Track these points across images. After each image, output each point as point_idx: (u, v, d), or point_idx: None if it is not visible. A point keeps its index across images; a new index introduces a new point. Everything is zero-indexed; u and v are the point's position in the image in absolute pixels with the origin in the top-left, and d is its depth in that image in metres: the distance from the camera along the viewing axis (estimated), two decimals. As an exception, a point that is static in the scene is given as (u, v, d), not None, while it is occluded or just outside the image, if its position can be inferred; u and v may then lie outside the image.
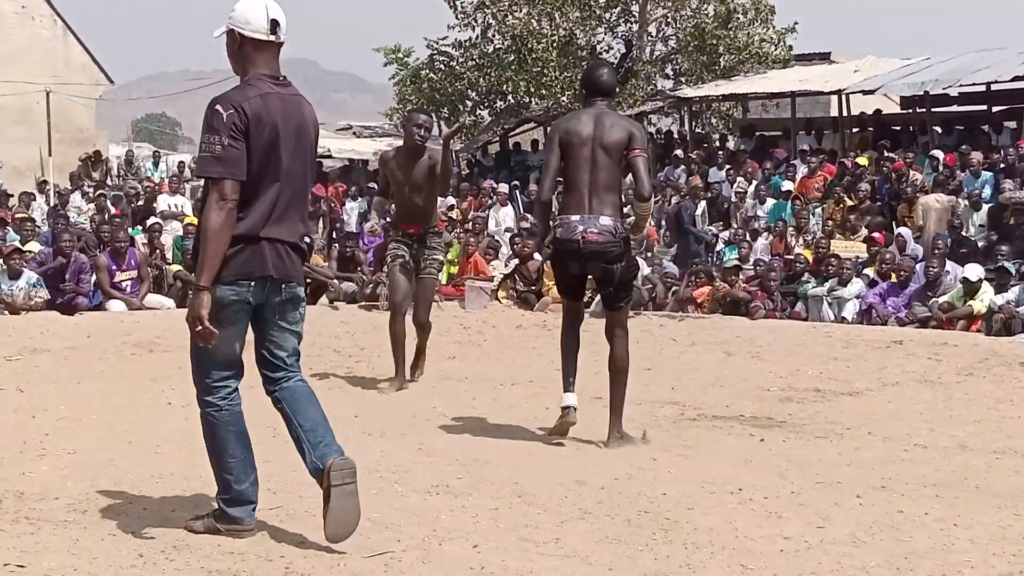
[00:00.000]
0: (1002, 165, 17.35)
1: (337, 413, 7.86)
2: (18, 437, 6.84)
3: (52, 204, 20.92)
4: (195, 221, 16.90)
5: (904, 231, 15.94)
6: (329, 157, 29.29)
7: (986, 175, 17.18)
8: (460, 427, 7.45)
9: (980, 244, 15.54)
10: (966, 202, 16.41)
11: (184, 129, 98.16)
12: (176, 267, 15.03)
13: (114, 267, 13.88)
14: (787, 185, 18.94)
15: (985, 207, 16.28)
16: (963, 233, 15.86)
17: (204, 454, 6.35)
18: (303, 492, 5.50)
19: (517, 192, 22.00)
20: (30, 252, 13.99)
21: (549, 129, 7.16)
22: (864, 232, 16.34)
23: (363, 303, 14.70)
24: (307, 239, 4.92)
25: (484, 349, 11.65)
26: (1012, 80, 20.15)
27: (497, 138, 29.89)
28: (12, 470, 5.93)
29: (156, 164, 27.63)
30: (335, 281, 15.03)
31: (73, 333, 11.84)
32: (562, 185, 7.12)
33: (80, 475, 5.83)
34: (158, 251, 15.65)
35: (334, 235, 19.29)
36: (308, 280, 14.92)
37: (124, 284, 13.94)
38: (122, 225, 15.84)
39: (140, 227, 17.15)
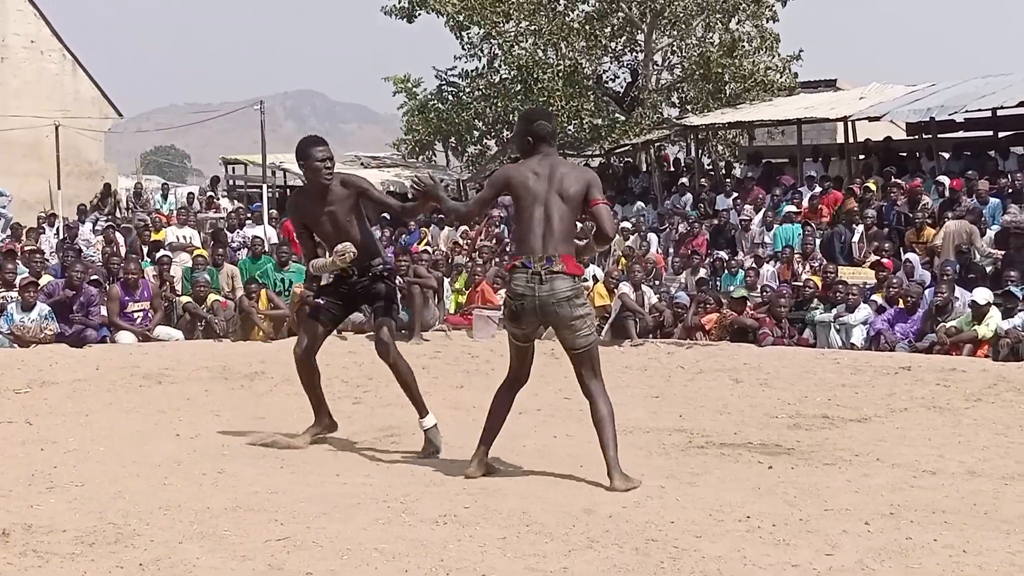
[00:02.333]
0: (1009, 190, 17.37)
1: (344, 443, 7.90)
2: (26, 470, 6.84)
3: (61, 237, 21.01)
4: (204, 253, 17.06)
5: (912, 256, 15.95)
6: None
7: (993, 202, 17.19)
8: (468, 456, 7.44)
9: (988, 269, 15.55)
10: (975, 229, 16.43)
11: (193, 161, 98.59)
12: (186, 299, 15.06)
13: (127, 298, 13.98)
14: (792, 208, 18.96)
15: (990, 232, 16.29)
16: (970, 259, 15.85)
17: (212, 485, 6.38)
18: (310, 523, 5.50)
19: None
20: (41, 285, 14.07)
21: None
22: (872, 258, 16.36)
23: (370, 333, 14.68)
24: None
25: (492, 378, 11.60)
26: (1018, 106, 20.17)
27: (504, 167, 30.00)
28: (20, 503, 5.93)
29: (165, 196, 27.75)
30: None
31: (81, 365, 11.86)
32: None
33: (88, 508, 5.83)
34: (168, 283, 15.71)
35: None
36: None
37: (135, 315, 14.04)
38: (134, 258, 15.98)
39: (149, 259, 17.21)
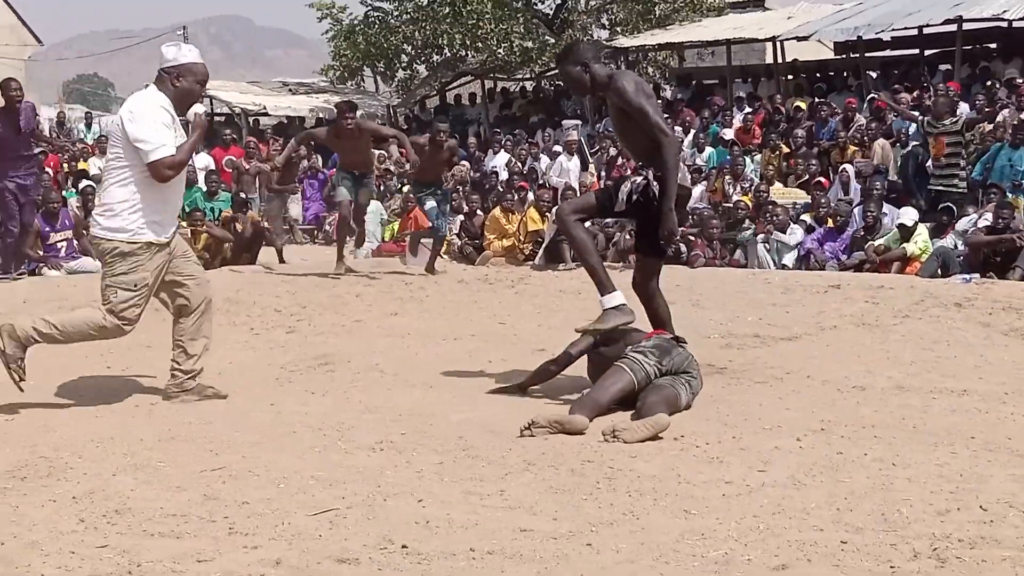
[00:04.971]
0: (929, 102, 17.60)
1: (279, 373, 7.86)
2: (-46, 406, 6.73)
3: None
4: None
5: (849, 167, 16.06)
6: (265, 115, 29.04)
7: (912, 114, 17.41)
8: (403, 383, 7.44)
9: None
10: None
11: (117, 89, 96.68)
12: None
13: (48, 229, 13.71)
14: (728, 134, 19.05)
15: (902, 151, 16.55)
16: (891, 177, 16.04)
17: (144, 416, 6.32)
18: (246, 453, 5.48)
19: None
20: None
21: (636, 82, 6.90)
22: (803, 178, 16.51)
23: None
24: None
25: (426, 304, 11.61)
26: (944, 23, 20.31)
27: (435, 92, 29.73)
28: (-52, 439, 5.85)
29: (89, 126, 27.23)
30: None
31: (8, 298, 11.65)
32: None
33: (18, 441, 5.76)
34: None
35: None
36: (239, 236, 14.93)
37: (60, 245, 13.78)
38: (54, 187, 15.65)
39: (74, 190, 16.91)
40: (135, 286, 6.64)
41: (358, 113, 14.10)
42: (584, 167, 18.98)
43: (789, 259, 14.18)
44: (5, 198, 12.60)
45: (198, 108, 7.03)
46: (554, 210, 15.18)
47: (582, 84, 7.06)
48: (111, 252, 6.63)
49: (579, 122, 22.66)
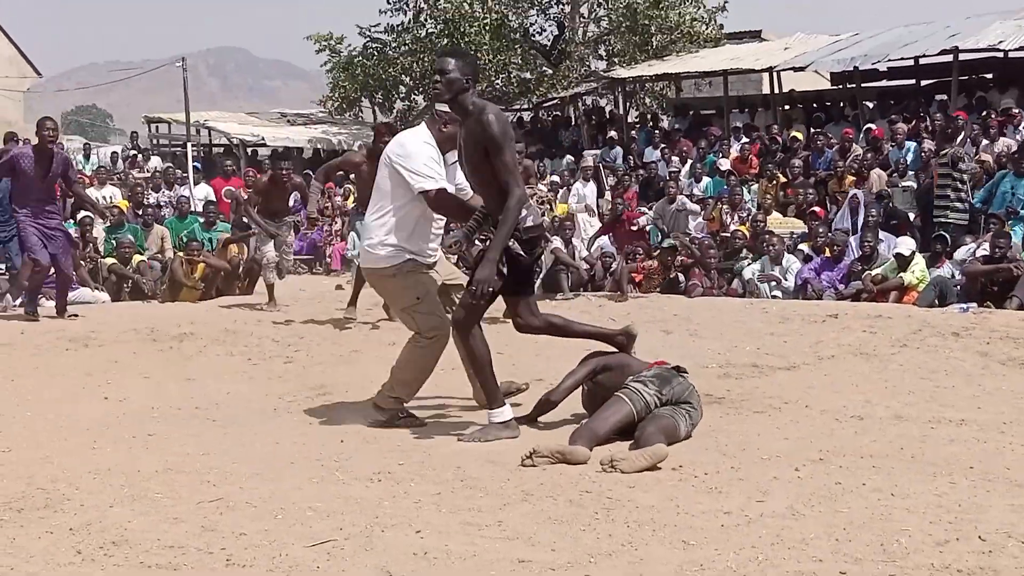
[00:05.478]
0: (929, 130, 17.67)
1: (276, 403, 7.85)
2: (-49, 437, 6.72)
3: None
4: (124, 205, 16.74)
5: (859, 192, 16.08)
6: (263, 145, 29.10)
7: (909, 144, 17.48)
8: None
9: (911, 216, 15.80)
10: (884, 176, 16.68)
11: (115, 121, 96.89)
12: (111, 260, 14.84)
13: (45, 260, 13.66)
14: (725, 164, 19.10)
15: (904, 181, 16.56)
16: (892, 204, 16.06)
17: (142, 448, 6.30)
18: (243, 484, 5.47)
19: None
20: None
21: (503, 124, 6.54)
22: (797, 208, 16.53)
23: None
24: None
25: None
26: (940, 54, 20.41)
27: (432, 123, 29.83)
28: (-54, 470, 5.83)
29: (87, 157, 27.27)
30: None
31: (6, 329, 11.65)
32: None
33: (16, 473, 5.75)
34: (91, 244, 15.46)
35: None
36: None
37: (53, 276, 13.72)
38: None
39: (72, 220, 16.92)
40: (417, 299, 7.01)
41: (356, 145, 13.98)
42: (600, 193, 18.96)
43: (780, 291, 14.20)
44: (27, 231, 12.37)
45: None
46: (552, 239, 15.16)
47: (454, 94, 6.59)
48: (386, 283, 7.13)
49: (598, 151, 22.66)
